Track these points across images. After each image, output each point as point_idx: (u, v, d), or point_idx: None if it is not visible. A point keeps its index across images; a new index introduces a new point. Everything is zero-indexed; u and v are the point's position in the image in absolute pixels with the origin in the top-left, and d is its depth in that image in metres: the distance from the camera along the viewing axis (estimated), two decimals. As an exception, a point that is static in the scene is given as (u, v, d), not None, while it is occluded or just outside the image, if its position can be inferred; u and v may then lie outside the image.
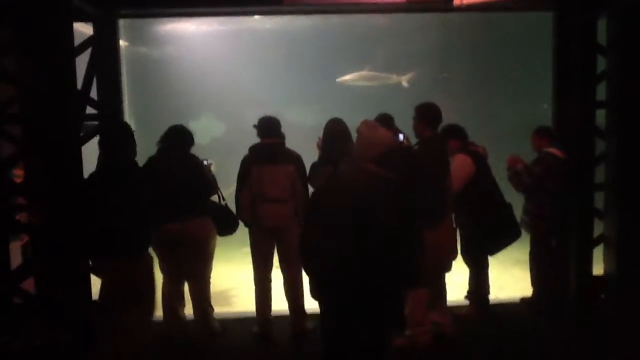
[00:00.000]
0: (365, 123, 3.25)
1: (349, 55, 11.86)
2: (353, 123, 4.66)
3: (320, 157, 4.88)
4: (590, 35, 5.38)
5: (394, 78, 11.63)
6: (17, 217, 4.74)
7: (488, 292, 5.36)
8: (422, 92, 8.99)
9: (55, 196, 4.31)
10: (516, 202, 5.35)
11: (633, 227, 5.37)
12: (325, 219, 2.92)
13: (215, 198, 4.91)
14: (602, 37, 5.45)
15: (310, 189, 4.79)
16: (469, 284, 5.40)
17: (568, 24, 5.48)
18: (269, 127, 4.86)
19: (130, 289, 3.83)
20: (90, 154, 4.99)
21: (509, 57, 11.42)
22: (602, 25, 5.44)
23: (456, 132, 5.16)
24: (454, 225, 4.80)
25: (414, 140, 4.68)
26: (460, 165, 4.89)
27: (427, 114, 4.55)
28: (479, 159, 5.01)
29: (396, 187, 2.96)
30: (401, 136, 4.58)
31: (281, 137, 4.88)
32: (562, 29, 5.58)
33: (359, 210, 2.82)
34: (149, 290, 3.96)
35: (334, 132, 4.80)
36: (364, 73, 11.32)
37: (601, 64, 5.46)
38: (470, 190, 4.90)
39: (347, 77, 11.30)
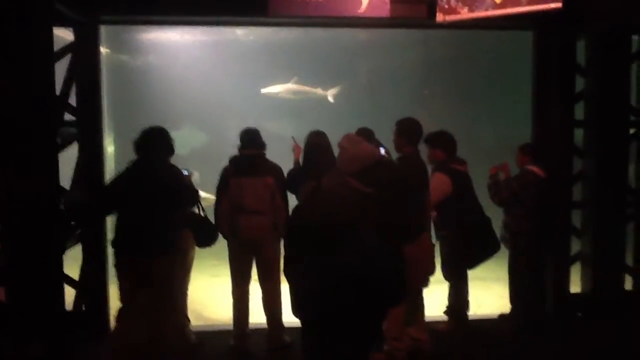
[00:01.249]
0: (347, 137, 3.22)
1: (331, 69, 11.91)
2: (333, 136, 4.68)
3: (300, 169, 4.85)
4: (570, 55, 5.47)
5: (320, 92, 11.47)
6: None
7: (467, 308, 5.36)
8: (405, 108, 9.05)
9: (30, 203, 4.22)
10: (497, 219, 5.38)
11: (610, 246, 5.43)
12: (308, 234, 2.88)
13: (194, 209, 4.85)
14: (580, 57, 5.54)
15: (292, 198, 4.75)
16: (448, 299, 5.40)
17: (548, 43, 5.56)
18: (249, 138, 4.83)
19: (153, 288, 4.09)
20: (68, 160, 4.95)
21: (489, 74, 11.54)
22: (580, 45, 5.53)
23: (442, 143, 5.14)
24: (433, 240, 4.80)
25: (394, 154, 4.68)
26: (437, 184, 4.90)
27: (407, 130, 4.57)
28: (458, 177, 5.01)
29: (377, 203, 2.93)
30: (382, 150, 4.58)
31: (262, 148, 4.85)
32: (541, 48, 5.64)
33: (342, 226, 2.79)
34: (169, 289, 4.19)
35: (315, 144, 4.77)
36: (289, 86, 11.11)
37: (579, 83, 5.54)
38: (450, 205, 4.93)
39: (272, 88, 11.05)
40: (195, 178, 4.97)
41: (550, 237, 5.46)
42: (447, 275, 5.27)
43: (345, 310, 2.80)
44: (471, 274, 5.32)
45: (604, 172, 5.45)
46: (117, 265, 4.19)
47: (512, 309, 5.58)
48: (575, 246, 5.71)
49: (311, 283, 2.84)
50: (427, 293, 4.81)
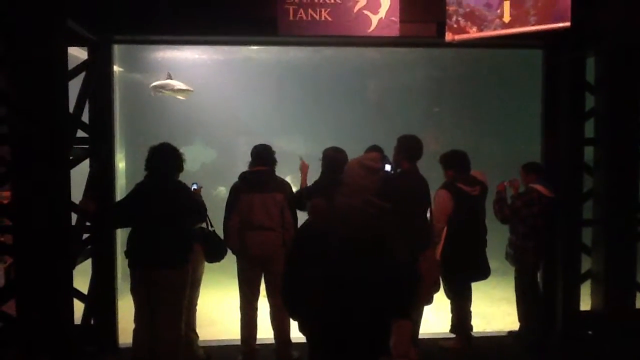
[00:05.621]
0: (372, 156, 3.24)
1: (340, 88, 11.96)
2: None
3: (318, 182, 4.74)
4: (579, 73, 5.47)
5: (179, 95, 10.94)
6: (1, 239, 4.70)
7: (469, 327, 5.30)
8: (416, 125, 9.09)
9: (42, 219, 4.27)
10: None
11: (620, 263, 5.39)
12: (328, 252, 2.87)
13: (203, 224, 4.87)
14: (590, 75, 5.54)
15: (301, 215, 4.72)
16: (452, 317, 5.36)
17: (557, 61, 5.57)
18: (259, 155, 4.87)
19: (167, 297, 4.19)
20: (80, 176, 5.00)
21: (498, 92, 11.55)
22: (590, 63, 5.54)
23: (454, 163, 5.15)
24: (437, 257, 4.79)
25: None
26: (439, 201, 4.91)
27: (405, 147, 4.62)
28: (460, 197, 5.00)
29: (395, 217, 2.97)
30: (388, 167, 4.60)
31: (271, 165, 4.88)
32: (551, 66, 5.66)
33: (374, 242, 2.80)
34: (178, 303, 4.26)
35: (336, 161, 4.59)
36: (167, 81, 10.45)
37: (589, 101, 5.54)
38: (449, 223, 4.94)
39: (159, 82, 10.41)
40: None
41: (560, 254, 5.43)
42: (446, 292, 5.25)
43: (360, 324, 2.81)
44: (481, 291, 5.28)
45: (615, 190, 5.41)
46: (130, 276, 4.29)
47: (521, 327, 5.53)
48: (586, 264, 5.67)
49: (327, 297, 2.84)
50: (436, 309, 4.78)
